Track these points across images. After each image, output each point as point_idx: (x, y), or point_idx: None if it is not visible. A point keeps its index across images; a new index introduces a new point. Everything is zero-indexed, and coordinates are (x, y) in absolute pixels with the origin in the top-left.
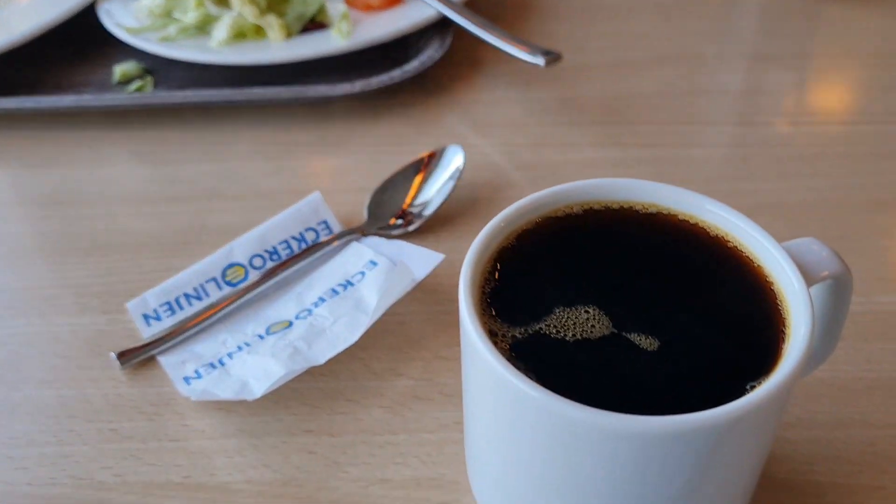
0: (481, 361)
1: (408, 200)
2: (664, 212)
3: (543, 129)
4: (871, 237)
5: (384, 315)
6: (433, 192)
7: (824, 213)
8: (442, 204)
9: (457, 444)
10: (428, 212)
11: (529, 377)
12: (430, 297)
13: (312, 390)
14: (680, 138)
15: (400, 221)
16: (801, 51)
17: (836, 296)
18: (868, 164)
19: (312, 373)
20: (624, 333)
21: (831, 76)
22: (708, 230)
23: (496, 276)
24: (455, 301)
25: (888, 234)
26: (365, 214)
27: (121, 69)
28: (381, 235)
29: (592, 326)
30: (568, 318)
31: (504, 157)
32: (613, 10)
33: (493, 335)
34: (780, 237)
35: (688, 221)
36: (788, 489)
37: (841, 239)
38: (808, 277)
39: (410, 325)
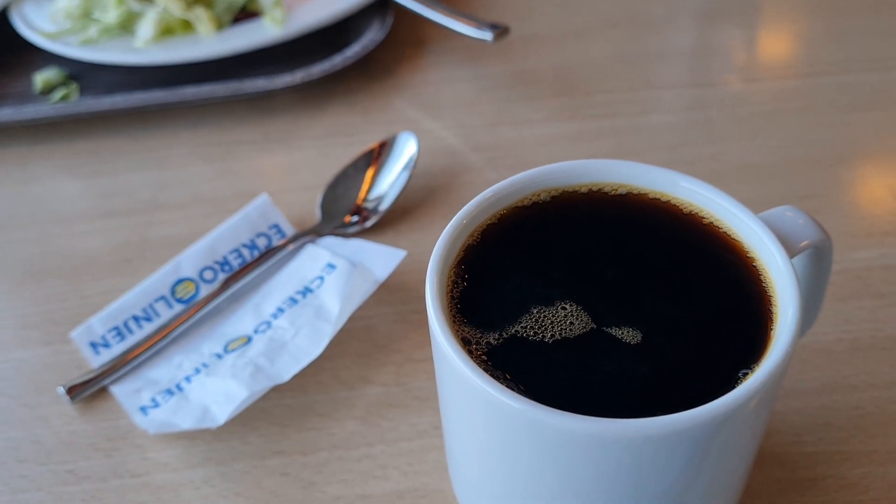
0: (457, 374)
1: (362, 195)
2: (634, 192)
3: (497, 107)
4: (838, 193)
5: (349, 320)
6: (388, 184)
7: (790, 172)
8: (398, 196)
9: (438, 450)
10: (384, 206)
11: (509, 386)
12: (395, 296)
13: (280, 408)
14: (638, 106)
15: (356, 218)
16: (751, 4)
17: (817, 263)
18: (828, 117)
19: (278, 389)
20: (605, 328)
21: (783, 27)
22: (681, 207)
23: (465, 279)
24: (423, 298)
25: (853, 189)
26: (318, 214)
27: (42, 77)
28: (337, 235)
29: (571, 324)
30: (545, 317)
31: (459, 139)
32: None
33: (466, 344)
34: (748, 200)
35: (659, 200)
36: (780, 464)
37: (808, 197)
38: (789, 249)
39: (378, 329)
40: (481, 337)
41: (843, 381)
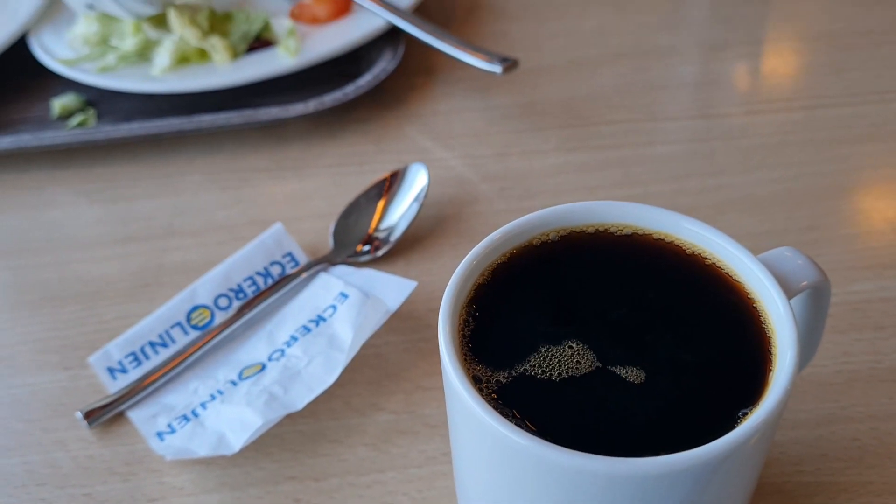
0: (467, 411)
1: (373, 225)
2: (639, 232)
3: (506, 137)
4: (838, 225)
5: (360, 348)
6: (398, 214)
7: (791, 205)
8: (409, 226)
9: (446, 476)
10: (395, 236)
11: (518, 424)
12: (405, 324)
13: (293, 434)
14: (644, 137)
15: (367, 248)
16: (755, 37)
17: (816, 302)
18: (829, 149)
19: (292, 416)
20: (610, 367)
21: (786, 61)
22: (685, 248)
23: (476, 317)
24: (432, 328)
25: (853, 222)
26: (330, 242)
27: (60, 103)
28: (349, 264)
29: (577, 363)
30: (552, 355)
31: (469, 168)
32: (566, 6)
33: (476, 382)
34: (750, 233)
35: (664, 240)
36: (779, 492)
37: (809, 229)
38: (788, 290)
39: (388, 357)
40: (491, 375)
41: (842, 413)
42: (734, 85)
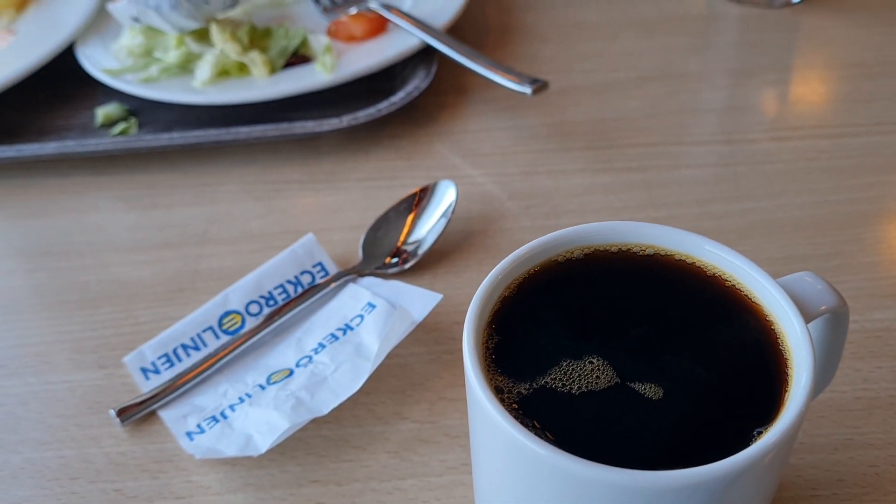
0: (489, 420)
1: (402, 238)
2: (661, 253)
3: (534, 157)
4: (861, 253)
5: (386, 358)
6: (427, 229)
7: (814, 231)
8: (436, 240)
9: (465, 486)
10: (423, 249)
11: (537, 434)
12: (430, 336)
13: (317, 439)
14: (669, 160)
15: (395, 260)
16: (783, 64)
17: (834, 328)
18: (854, 177)
19: (317, 421)
20: (628, 383)
21: (814, 88)
22: (705, 269)
23: (499, 330)
24: (456, 340)
25: (876, 250)
26: (360, 254)
27: (103, 112)
28: (377, 275)
29: (597, 377)
30: (573, 370)
31: (496, 186)
32: (597, 30)
33: (499, 392)
34: (772, 258)
35: (685, 261)
36: None
37: (832, 256)
38: (806, 314)
39: (413, 367)
40: (513, 386)
41: (860, 439)
42: (761, 110)
